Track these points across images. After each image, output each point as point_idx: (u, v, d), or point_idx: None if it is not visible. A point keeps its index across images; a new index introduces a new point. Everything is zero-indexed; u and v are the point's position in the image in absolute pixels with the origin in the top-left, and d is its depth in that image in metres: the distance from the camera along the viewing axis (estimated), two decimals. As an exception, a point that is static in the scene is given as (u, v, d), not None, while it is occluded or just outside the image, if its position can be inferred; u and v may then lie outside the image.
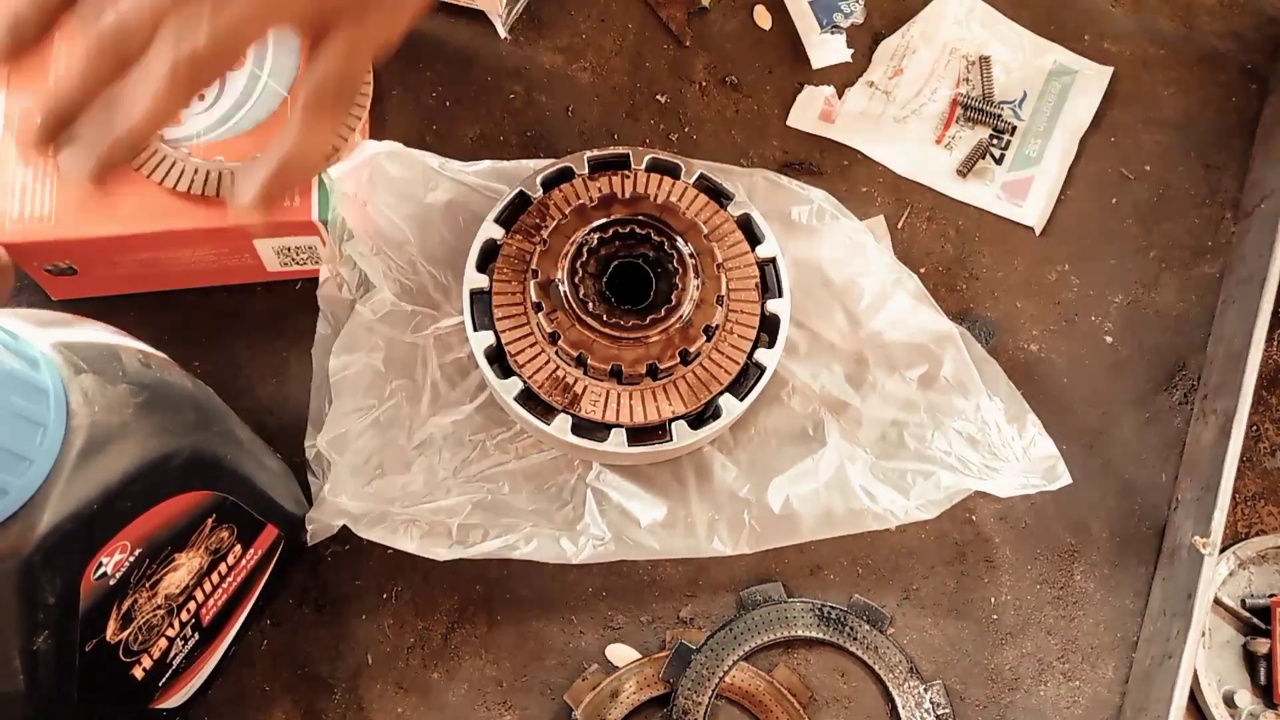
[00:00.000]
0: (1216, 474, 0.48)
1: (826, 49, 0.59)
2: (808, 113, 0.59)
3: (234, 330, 0.53)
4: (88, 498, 0.29)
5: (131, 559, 0.32)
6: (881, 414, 0.51)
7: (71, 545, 0.29)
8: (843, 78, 0.59)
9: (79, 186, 0.42)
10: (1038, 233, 0.57)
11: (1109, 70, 0.60)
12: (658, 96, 0.59)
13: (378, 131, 0.56)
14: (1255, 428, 0.54)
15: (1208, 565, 0.47)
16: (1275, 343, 0.56)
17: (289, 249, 0.50)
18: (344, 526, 0.47)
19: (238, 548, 0.41)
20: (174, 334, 0.53)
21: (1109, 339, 0.56)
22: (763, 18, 0.60)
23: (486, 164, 0.52)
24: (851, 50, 0.59)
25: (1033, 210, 0.57)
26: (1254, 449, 0.54)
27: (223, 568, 0.41)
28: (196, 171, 0.46)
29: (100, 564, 0.31)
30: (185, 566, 0.37)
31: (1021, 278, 0.57)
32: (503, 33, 0.58)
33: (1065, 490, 0.49)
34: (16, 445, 0.26)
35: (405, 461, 0.49)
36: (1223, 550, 0.51)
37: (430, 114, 0.57)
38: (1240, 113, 0.61)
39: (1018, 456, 0.49)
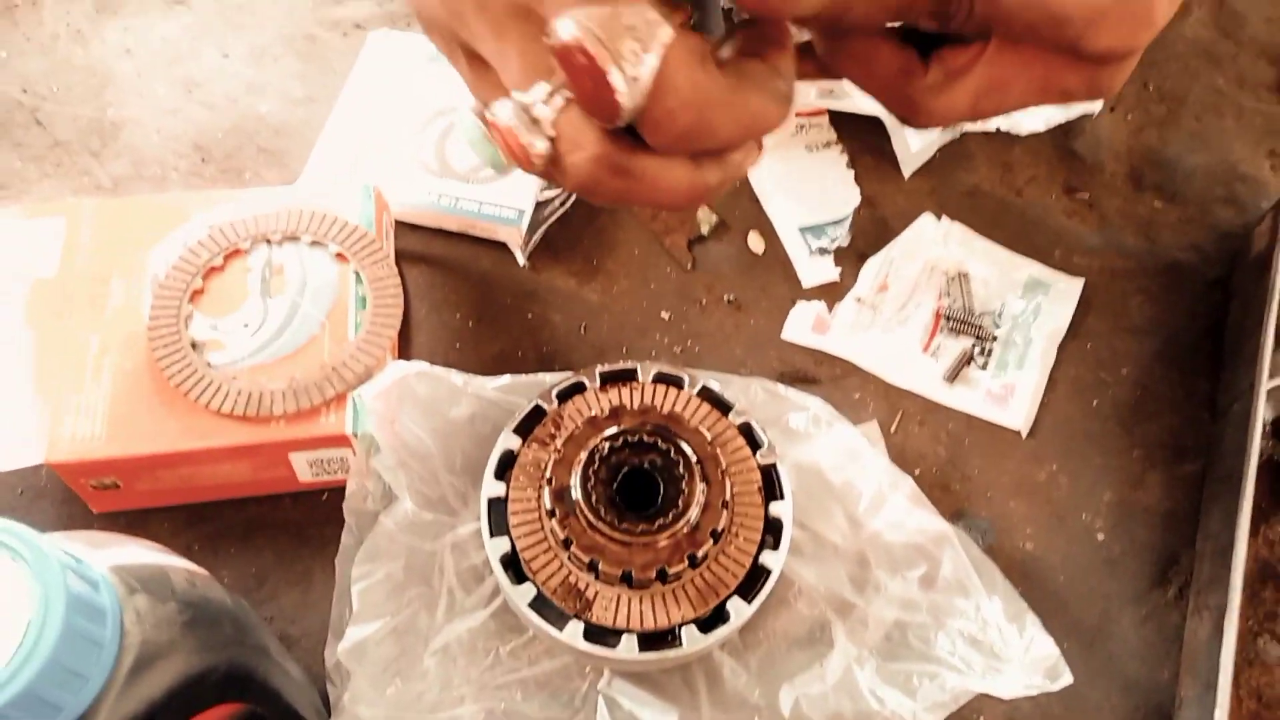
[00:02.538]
0: (1215, 672, 0.49)
1: (816, 269, 0.65)
2: (801, 326, 0.63)
3: (262, 540, 0.56)
4: (133, 713, 0.30)
5: (164, 772, 0.34)
6: (885, 615, 0.53)
7: (114, 760, 0.31)
8: (832, 294, 0.64)
9: (130, 407, 0.45)
10: (1024, 435, 0.60)
11: (1080, 282, 0.65)
12: (662, 314, 0.64)
13: (406, 348, 0.61)
14: (1253, 623, 0.56)
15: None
16: (1261, 538, 0.58)
17: (321, 461, 0.53)
18: (361, 735, 0.47)
19: (260, 759, 0.42)
20: (204, 544, 0.55)
21: (1101, 536, 0.58)
22: (756, 243, 0.66)
23: (506, 379, 0.56)
24: (839, 270, 0.65)
25: (1018, 414, 0.61)
26: (1252, 644, 0.55)
27: (244, 780, 0.42)
28: (240, 393, 0.50)
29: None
30: (210, 779, 0.38)
31: (1012, 478, 0.59)
32: (521, 260, 0.64)
33: (1069, 690, 0.49)
34: (76, 664, 0.29)
35: (422, 670, 0.50)
36: (1234, 750, 0.51)
37: (455, 333, 0.62)
38: (1207, 318, 0.65)
39: (1019, 656, 0.50)
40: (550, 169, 0.32)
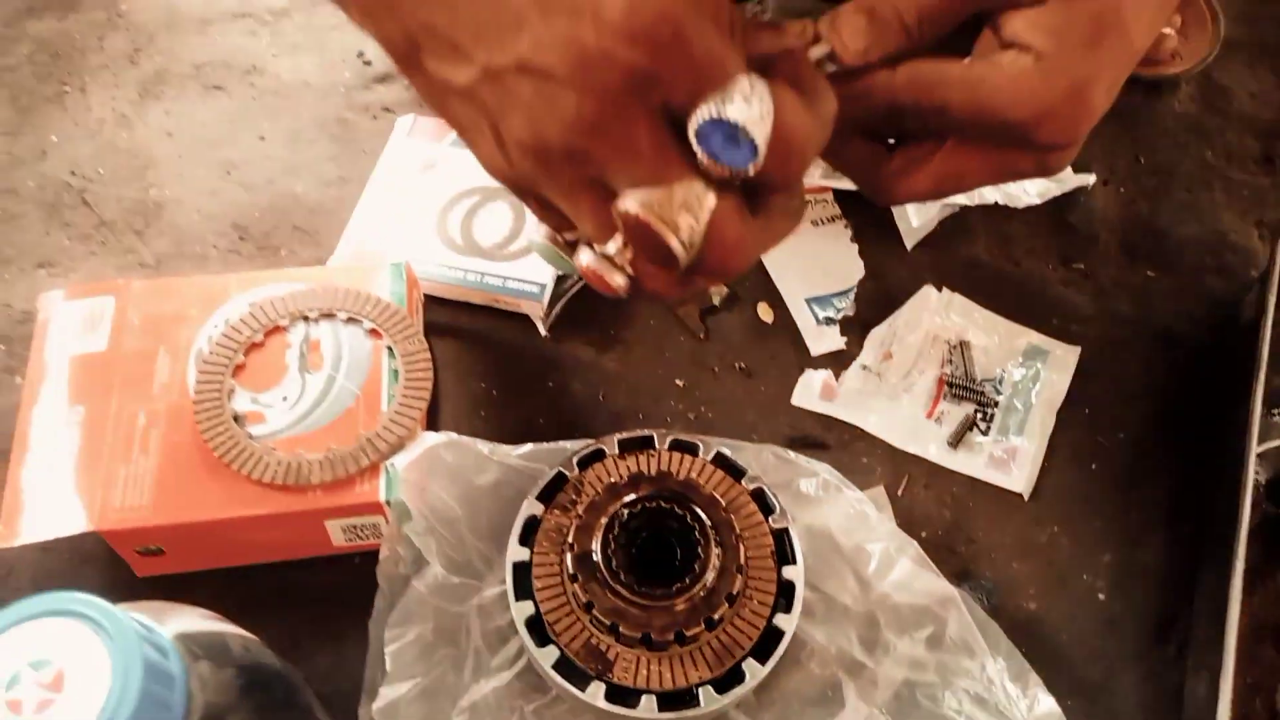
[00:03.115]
0: (1213, 730, 0.51)
1: (823, 338, 0.68)
2: (810, 393, 0.66)
3: (297, 603, 0.58)
4: (197, 772, 0.33)
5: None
6: (894, 674, 0.55)
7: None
8: (839, 362, 0.67)
9: (175, 477, 0.48)
10: (1026, 498, 0.63)
11: (1077, 350, 0.68)
12: (677, 381, 0.67)
13: (434, 417, 0.64)
14: (1250, 681, 0.57)
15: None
16: (1256, 597, 0.60)
17: (355, 527, 0.56)
18: (394, 794, 0.50)
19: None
20: (243, 607, 0.57)
21: (1102, 596, 0.60)
22: (766, 313, 0.69)
23: (529, 447, 0.59)
24: (845, 339, 0.68)
25: (1020, 477, 0.63)
26: (1250, 702, 0.57)
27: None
28: (279, 463, 0.53)
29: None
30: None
31: (1015, 540, 0.62)
32: (543, 331, 0.67)
33: (1073, 748, 0.52)
34: (151, 728, 0.31)
35: (451, 729, 0.52)
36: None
37: (480, 401, 0.65)
38: (1200, 384, 0.68)
39: (1023, 715, 0.52)
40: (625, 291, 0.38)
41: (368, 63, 0.81)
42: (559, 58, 0.31)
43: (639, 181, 0.33)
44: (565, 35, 0.30)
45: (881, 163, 0.41)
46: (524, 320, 0.68)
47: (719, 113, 0.32)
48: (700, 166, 0.33)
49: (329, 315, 0.60)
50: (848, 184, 0.72)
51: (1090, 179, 0.74)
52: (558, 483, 0.57)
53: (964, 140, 0.39)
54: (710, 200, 0.34)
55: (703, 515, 0.55)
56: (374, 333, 0.60)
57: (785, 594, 0.54)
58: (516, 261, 0.67)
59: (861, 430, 0.65)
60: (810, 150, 0.34)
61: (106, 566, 0.59)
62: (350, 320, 0.60)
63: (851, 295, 0.70)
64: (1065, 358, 0.68)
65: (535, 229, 0.42)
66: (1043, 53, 0.36)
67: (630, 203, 0.34)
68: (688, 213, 0.33)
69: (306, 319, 0.60)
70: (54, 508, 0.54)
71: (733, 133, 0.32)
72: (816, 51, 0.38)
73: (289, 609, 0.58)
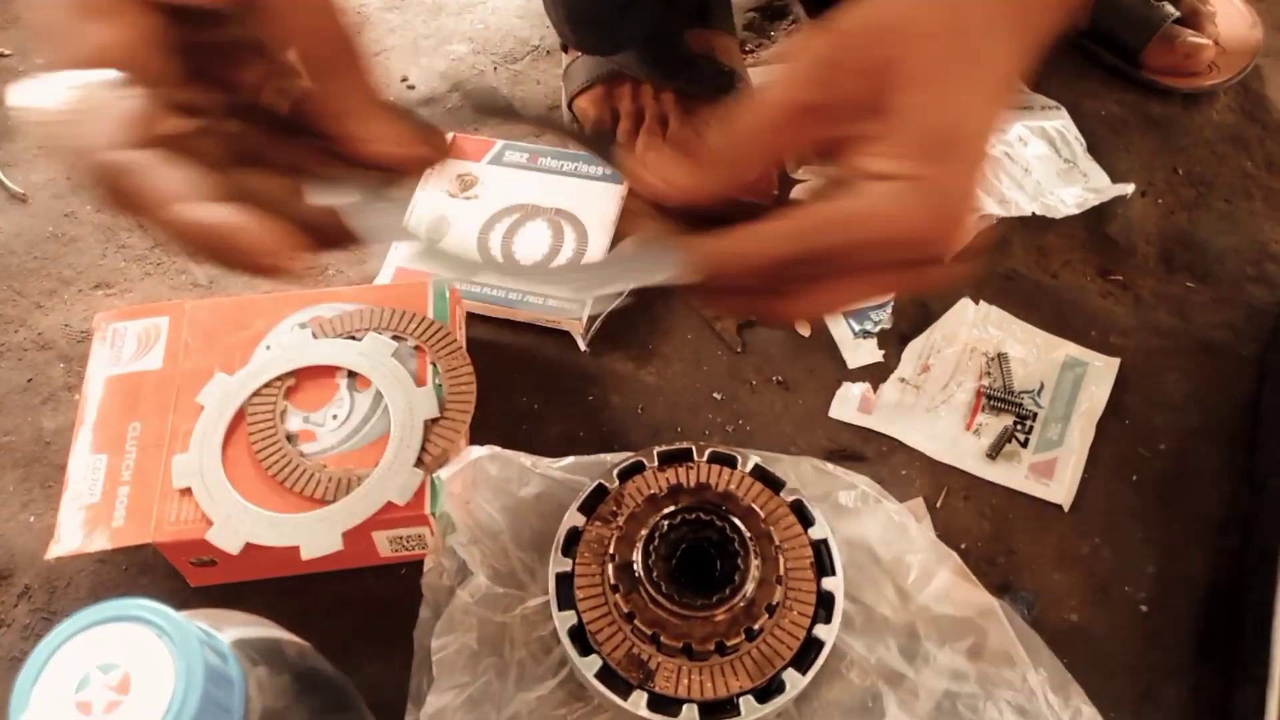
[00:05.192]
0: (1260, 743, 0.50)
1: (860, 351, 0.68)
2: (847, 405, 0.67)
3: (344, 612, 0.60)
4: (255, 774, 0.34)
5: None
6: (935, 685, 0.55)
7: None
8: (876, 375, 0.68)
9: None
10: (1066, 509, 0.63)
11: (1116, 361, 0.68)
12: (714, 395, 0.68)
13: (477, 431, 0.65)
14: (1298, 695, 0.57)
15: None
16: (1304, 611, 0.59)
17: (401, 538, 0.57)
18: (440, 800, 0.51)
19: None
20: (294, 616, 0.59)
21: (1144, 608, 0.60)
22: (803, 326, 0.70)
23: (570, 459, 0.60)
24: (883, 351, 0.68)
25: (1059, 489, 0.63)
26: (1298, 717, 0.56)
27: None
28: (330, 479, 0.55)
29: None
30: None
31: (1055, 551, 0.62)
32: (583, 346, 0.69)
33: (1117, 761, 0.51)
34: (212, 730, 0.33)
35: (495, 738, 0.53)
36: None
37: (521, 415, 0.66)
38: (1242, 394, 0.67)
39: (1065, 727, 0.52)
40: None
41: (411, 86, 0.83)
42: None
43: None
44: None
45: (760, 301, 0.41)
46: (564, 336, 0.69)
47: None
48: None
49: (376, 333, 0.61)
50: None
51: (1129, 189, 0.74)
52: (599, 495, 0.58)
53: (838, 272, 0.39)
54: None
55: (742, 527, 0.55)
56: (419, 350, 0.61)
57: (825, 605, 0.55)
58: (556, 278, 0.68)
59: (900, 442, 0.65)
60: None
61: (161, 577, 0.61)
62: (396, 338, 0.61)
63: (889, 308, 0.70)
64: (1104, 369, 0.68)
65: None
66: (912, 177, 0.36)
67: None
68: None
69: (355, 337, 0.61)
70: (111, 520, 0.55)
71: None
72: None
73: (337, 618, 0.60)
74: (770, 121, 0.38)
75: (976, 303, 0.70)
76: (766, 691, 0.52)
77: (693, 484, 0.58)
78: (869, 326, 0.69)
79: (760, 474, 0.59)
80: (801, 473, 0.60)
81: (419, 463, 0.57)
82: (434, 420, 0.59)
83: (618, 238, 0.53)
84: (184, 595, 0.60)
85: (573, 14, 0.75)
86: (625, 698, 0.52)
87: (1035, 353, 0.68)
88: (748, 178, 0.39)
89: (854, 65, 0.36)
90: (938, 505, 0.63)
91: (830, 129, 0.37)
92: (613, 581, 0.54)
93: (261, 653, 0.37)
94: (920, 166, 0.36)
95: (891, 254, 0.37)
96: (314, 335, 0.61)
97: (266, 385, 0.59)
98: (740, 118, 0.38)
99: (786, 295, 0.39)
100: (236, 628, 0.38)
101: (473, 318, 0.69)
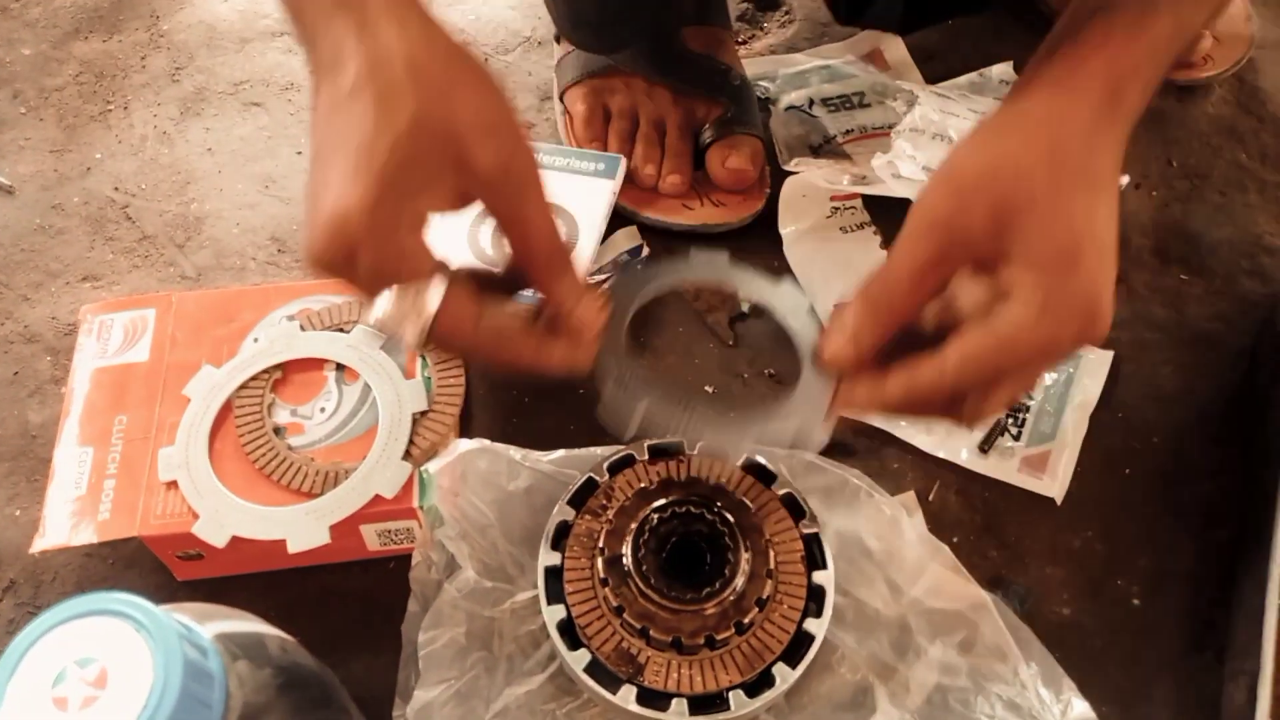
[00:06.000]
0: (1252, 737, 0.50)
1: (853, 344, 0.68)
2: (840, 399, 0.66)
3: (333, 606, 0.59)
4: (236, 768, 0.34)
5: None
6: (926, 679, 0.55)
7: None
8: (869, 368, 0.67)
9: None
10: (1059, 503, 0.62)
11: (1110, 354, 0.68)
12: (706, 387, 0.67)
13: (467, 424, 0.64)
14: (1290, 688, 0.57)
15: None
16: (1296, 604, 0.59)
17: (389, 531, 0.57)
18: (427, 795, 0.50)
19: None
20: (280, 610, 0.58)
21: (1136, 601, 0.60)
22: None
23: (560, 453, 0.60)
24: (875, 344, 0.68)
25: (1052, 482, 0.63)
26: (1290, 710, 0.56)
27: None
28: (318, 473, 0.54)
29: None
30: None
31: (1048, 545, 0.61)
32: (572, 339, 0.68)
33: (1109, 755, 0.51)
34: (191, 725, 0.32)
35: (484, 732, 0.53)
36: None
37: (511, 408, 0.66)
38: (1235, 387, 0.67)
39: (1056, 720, 0.51)
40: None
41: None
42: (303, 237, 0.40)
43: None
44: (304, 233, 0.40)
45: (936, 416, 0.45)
46: (554, 328, 0.68)
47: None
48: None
49: (364, 325, 0.61)
50: (876, 190, 0.72)
51: (1123, 180, 0.74)
52: (588, 488, 0.58)
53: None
54: (434, 300, 0.41)
55: (732, 520, 0.55)
56: (407, 341, 0.61)
57: (816, 599, 0.55)
58: (547, 270, 0.67)
59: (891, 436, 0.65)
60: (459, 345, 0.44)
61: (147, 571, 0.60)
62: (384, 329, 0.61)
63: (881, 301, 0.69)
64: (1098, 362, 0.67)
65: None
66: (1049, 289, 0.40)
67: (373, 312, 0.42)
68: (415, 313, 0.41)
69: (343, 330, 0.61)
70: (97, 514, 0.55)
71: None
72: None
73: (324, 612, 0.59)
74: (909, 283, 0.43)
75: (969, 295, 0.69)
76: (757, 686, 0.52)
77: (683, 477, 0.57)
78: (861, 319, 0.69)
79: (752, 467, 0.58)
80: (793, 466, 0.60)
81: (407, 456, 0.57)
82: (423, 413, 0.58)
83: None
84: (170, 589, 0.59)
85: (574, 15, 0.74)
86: (614, 692, 0.51)
87: (1028, 346, 0.68)
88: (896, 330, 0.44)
89: (972, 213, 0.41)
90: (929, 499, 0.63)
91: (959, 266, 0.42)
92: (602, 575, 0.54)
93: (243, 647, 0.36)
94: (1052, 279, 0.39)
95: (1049, 360, 0.42)
96: (302, 328, 0.61)
97: (254, 378, 0.58)
98: (879, 285, 0.43)
99: (960, 409, 0.43)
100: (218, 622, 0.38)
101: (463, 310, 0.68)
